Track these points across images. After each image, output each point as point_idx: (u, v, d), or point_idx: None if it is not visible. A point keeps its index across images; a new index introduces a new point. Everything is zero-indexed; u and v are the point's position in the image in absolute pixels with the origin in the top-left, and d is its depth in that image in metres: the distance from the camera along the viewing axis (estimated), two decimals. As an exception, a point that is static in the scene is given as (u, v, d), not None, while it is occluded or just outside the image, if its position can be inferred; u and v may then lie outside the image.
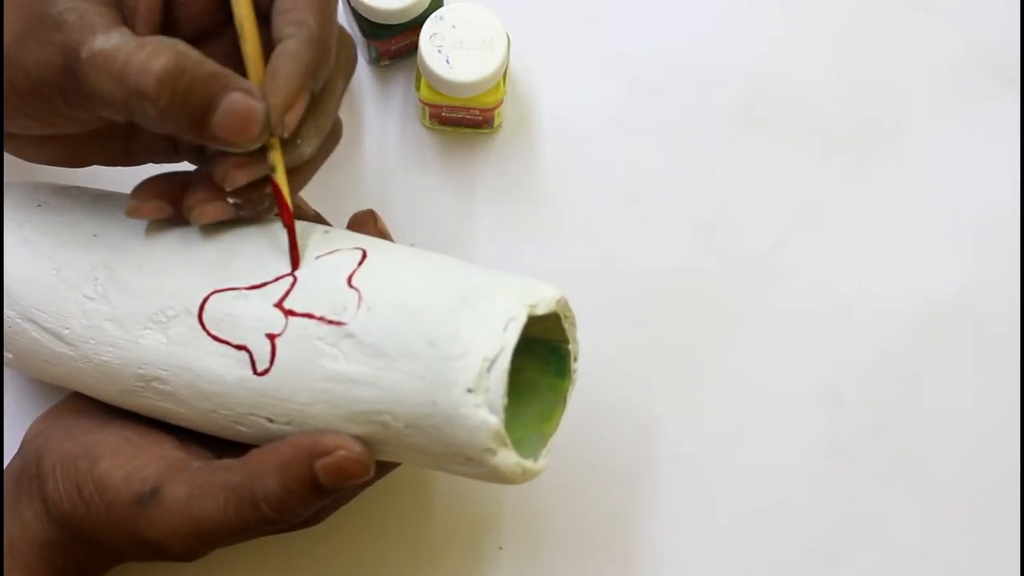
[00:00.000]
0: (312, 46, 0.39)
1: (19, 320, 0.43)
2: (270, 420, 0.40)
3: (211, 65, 0.38)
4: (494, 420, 0.38)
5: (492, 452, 0.38)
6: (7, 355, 0.45)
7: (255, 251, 0.42)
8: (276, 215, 0.42)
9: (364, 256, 0.41)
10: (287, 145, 0.40)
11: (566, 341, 0.43)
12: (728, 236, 0.55)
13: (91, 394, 0.44)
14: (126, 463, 0.40)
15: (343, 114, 0.54)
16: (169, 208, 0.41)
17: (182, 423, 0.43)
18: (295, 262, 0.41)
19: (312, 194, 0.53)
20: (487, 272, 0.41)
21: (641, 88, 0.56)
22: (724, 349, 0.54)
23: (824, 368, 0.54)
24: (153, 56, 0.36)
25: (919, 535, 0.53)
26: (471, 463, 0.39)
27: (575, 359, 0.43)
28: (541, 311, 0.40)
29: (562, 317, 0.41)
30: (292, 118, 0.39)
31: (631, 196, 0.55)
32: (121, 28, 0.38)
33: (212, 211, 0.41)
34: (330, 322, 0.39)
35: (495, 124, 0.54)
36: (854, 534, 0.53)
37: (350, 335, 0.39)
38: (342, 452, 0.39)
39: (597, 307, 0.53)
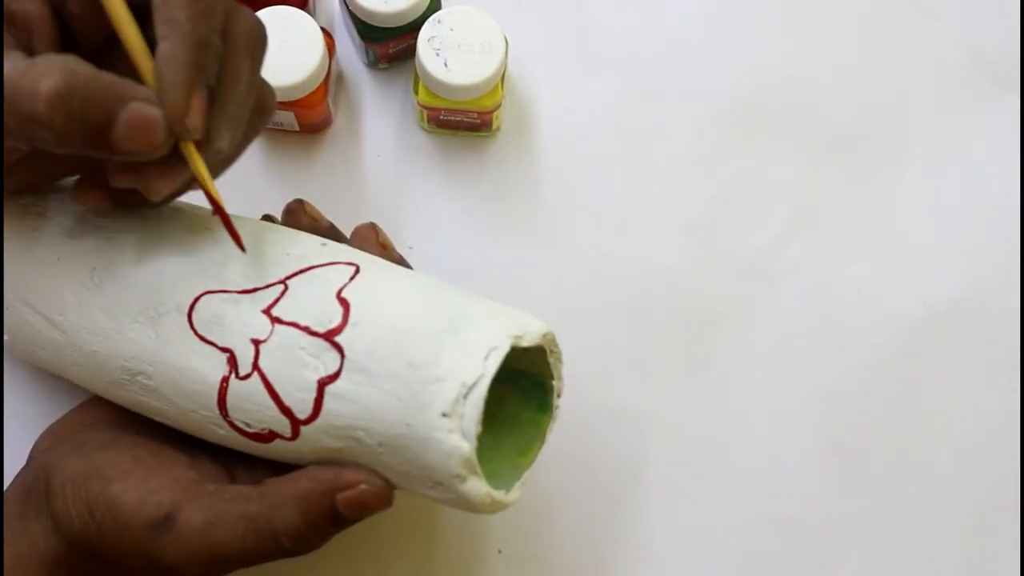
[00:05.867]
0: (187, 43, 0.36)
1: (16, 303, 0.43)
2: (248, 424, 0.40)
3: (105, 78, 0.35)
4: (466, 446, 0.38)
5: (462, 479, 0.38)
6: (6, 337, 0.45)
7: (250, 257, 0.42)
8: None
9: (357, 271, 0.41)
10: (201, 144, 0.38)
11: (551, 376, 0.42)
12: (727, 237, 0.55)
13: (80, 383, 0.44)
14: (139, 485, 0.40)
15: (343, 116, 0.55)
16: (107, 197, 0.40)
17: (164, 420, 0.43)
18: (241, 246, 0.40)
19: (312, 197, 0.53)
20: (477, 300, 0.41)
21: (639, 90, 0.56)
22: (722, 350, 0.54)
23: (822, 369, 0.54)
24: (41, 78, 0.34)
25: (918, 535, 0.53)
26: (440, 488, 0.39)
27: (558, 395, 0.43)
28: (526, 343, 0.39)
29: (548, 352, 0.41)
30: (194, 120, 0.37)
31: (630, 198, 0.55)
32: (12, 52, 0.35)
33: (164, 185, 0.38)
34: (314, 333, 0.39)
35: (493, 127, 0.54)
36: (853, 534, 0.52)
37: (333, 348, 0.39)
38: (363, 486, 0.39)
39: (595, 308, 0.54)
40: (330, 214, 0.48)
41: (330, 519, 0.39)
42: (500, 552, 0.52)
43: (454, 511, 0.51)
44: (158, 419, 0.43)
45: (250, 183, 0.54)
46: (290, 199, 0.53)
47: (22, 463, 0.45)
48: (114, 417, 0.44)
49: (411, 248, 0.49)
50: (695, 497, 0.52)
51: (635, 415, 0.53)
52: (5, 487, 0.44)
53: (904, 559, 0.52)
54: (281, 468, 0.41)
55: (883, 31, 0.58)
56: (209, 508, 0.39)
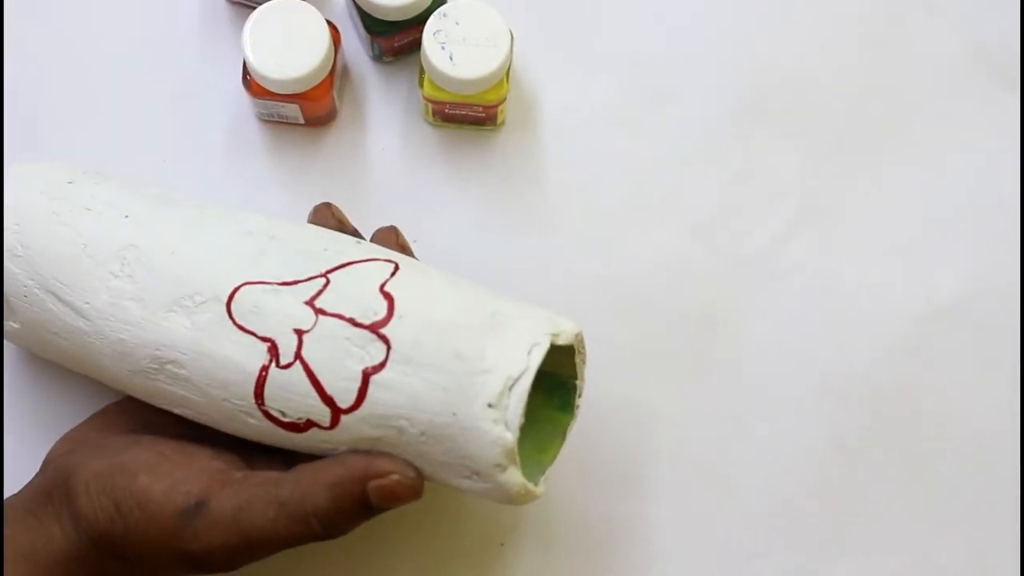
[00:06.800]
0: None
1: (37, 290, 0.43)
2: (283, 414, 0.41)
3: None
4: (509, 437, 0.39)
5: (502, 468, 0.39)
6: (13, 325, 0.45)
7: (289, 251, 0.43)
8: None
9: (396, 268, 0.42)
10: None
11: (574, 377, 0.44)
12: (729, 234, 0.55)
13: (97, 373, 0.44)
14: (166, 477, 0.40)
15: (347, 109, 0.55)
16: None
17: (189, 410, 0.43)
18: None
19: (317, 191, 0.54)
20: (511, 300, 0.42)
21: (643, 85, 0.56)
22: (725, 347, 0.54)
23: (825, 367, 0.54)
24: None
25: (919, 534, 0.53)
26: (477, 477, 0.40)
27: (579, 395, 0.44)
28: (562, 341, 0.41)
29: (576, 352, 0.43)
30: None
31: (633, 193, 0.55)
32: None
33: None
34: (359, 325, 0.40)
35: (498, 121, 0.54)
36: (855, 532, 0.53)
37: (379, 339, 0.40)
38: (395, 476, 0.39)
39: (598, 303, 0.54)
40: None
41: (360, 506, 0.39)
42: (502, 545, 0.52)
43: (458, 505, 0.52)
44: (179, 411, 0.43)
45: (255, 175, 0.54)
46: (295, 192, 0.54)
47: (33, 469, 0.44)
48: (131, 424, 0.45)
49: (415, 241, 0.49)
50: (699, 493, 0.52)
51: (640, 411, 0.53)
52: (18, 492, 0.43)
53: (905, 558, 0.52)
54: (298, 460, 0.42)
55: (884, 28, 0.58)
56: (239, 494, 0.40)
